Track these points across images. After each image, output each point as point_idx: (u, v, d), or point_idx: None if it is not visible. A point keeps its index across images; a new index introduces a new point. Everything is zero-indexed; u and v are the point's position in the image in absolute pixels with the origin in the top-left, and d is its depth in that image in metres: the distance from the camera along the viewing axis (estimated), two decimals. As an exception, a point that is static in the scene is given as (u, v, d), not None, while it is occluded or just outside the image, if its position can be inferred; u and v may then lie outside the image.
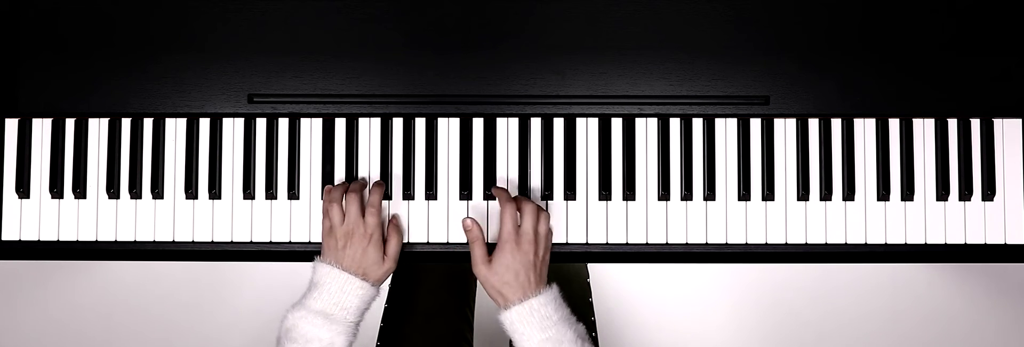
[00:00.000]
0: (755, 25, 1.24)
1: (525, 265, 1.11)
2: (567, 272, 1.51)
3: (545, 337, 1.08)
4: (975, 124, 1.25)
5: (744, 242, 1.24)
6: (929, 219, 1.24)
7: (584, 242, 1.24)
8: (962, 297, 1.92)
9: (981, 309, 1.92)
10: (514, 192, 1.24)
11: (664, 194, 1.24)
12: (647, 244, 1.24)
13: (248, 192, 1.24)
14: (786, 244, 1.24)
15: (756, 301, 1.93)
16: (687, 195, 1.24)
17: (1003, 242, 1.24)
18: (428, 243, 1.24)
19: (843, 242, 1.23)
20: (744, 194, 1.23)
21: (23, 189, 1.25)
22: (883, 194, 1.24)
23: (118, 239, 1.24)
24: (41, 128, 1.25)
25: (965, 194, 1.23)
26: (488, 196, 1.24)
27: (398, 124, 1.25)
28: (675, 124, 1.25)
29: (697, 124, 1.24)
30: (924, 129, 1.25)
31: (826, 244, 1.24)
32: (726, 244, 1.24)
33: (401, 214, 1.23)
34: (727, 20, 1.24)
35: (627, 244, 1.24)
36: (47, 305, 1.93)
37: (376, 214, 1.15)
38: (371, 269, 1.13)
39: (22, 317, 1.93)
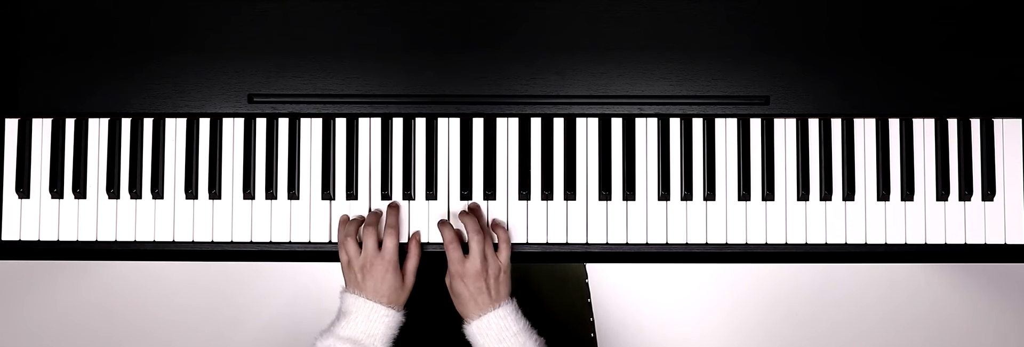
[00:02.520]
0: (755, 25, 1.24)
1: (474, 282, 1.15)
2: (565, 273, 1.51)
3: None
4: (975, 124, 1.25)
5: (744, 242, 1.24)
6: (929, 219, 1.24)
7: (584, 242, 1.24)
8: (961, 297, 1.92)
9: (980, 309, 1.92)
10: (514, 192, 1.24)
11: (664, 194, 1.24)
12: (647, 244, 1.24)
13: (248, 192, 1.24)
14: (786, 244, 1.24)
15: (756, 301, 1.93)
16: (687, 195, 1.24)
17: (1003, 242, 1.24)
18: (428, 243, 1.24)
19: (843, 242, 1.23)
20: (744, 194, 1.23)
21: (23, 189, 1.25)
22: (883, 194, 1.23)
23: (118, 239, 1.24)
24: (41, 128, 1.25)
25: (965, 194, 1.23)
26: (488, 196, 1.24)
27: (398, 124, 1.25)
28: (675, 124, 1.25)
29: (697, 124, 1.24)
30: (924, 129, 1.25)
31: (826, 244, 1.24)
32: (726, 244, 1.24)
33: (402, 214, 1.23)
34: (727, 20, 1.24)
35: (627, 244, 1.24)
36: (47, 305, 1.93)
37: (394, 236, 1.17)
38: (393, 295, 1.16)
39: (22, 317, 1.93)
